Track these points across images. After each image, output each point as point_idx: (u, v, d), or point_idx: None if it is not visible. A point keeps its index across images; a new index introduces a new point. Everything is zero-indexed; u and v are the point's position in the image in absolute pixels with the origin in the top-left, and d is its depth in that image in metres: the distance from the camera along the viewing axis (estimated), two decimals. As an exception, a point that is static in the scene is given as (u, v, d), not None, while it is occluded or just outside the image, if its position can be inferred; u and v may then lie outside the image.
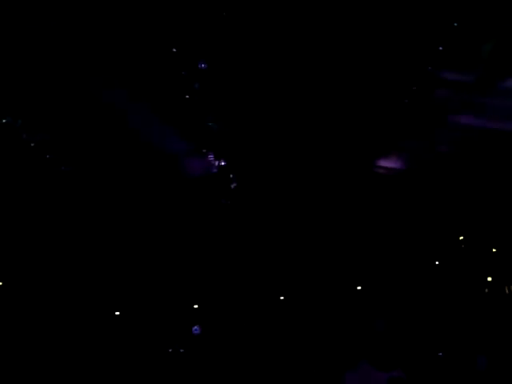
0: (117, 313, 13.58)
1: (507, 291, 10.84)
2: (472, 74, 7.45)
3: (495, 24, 6.69)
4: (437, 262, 12.48)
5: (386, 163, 10.78)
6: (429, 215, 11.78)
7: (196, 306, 14.10)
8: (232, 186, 11.40)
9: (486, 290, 9.62)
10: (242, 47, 7.53)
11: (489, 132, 8.54)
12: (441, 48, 7.27)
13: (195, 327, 4.46)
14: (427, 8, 6.64)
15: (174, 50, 7.41)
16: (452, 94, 8.02)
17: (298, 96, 8.43)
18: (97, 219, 11.07)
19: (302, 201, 11.89)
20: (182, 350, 2.64)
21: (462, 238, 12.80)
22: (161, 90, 8.28)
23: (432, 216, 11.78)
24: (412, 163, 10.32)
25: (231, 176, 11.43)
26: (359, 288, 14.25)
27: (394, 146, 9.97)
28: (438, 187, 10.67)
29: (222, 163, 10.76)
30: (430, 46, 7.30)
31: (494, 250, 12.25)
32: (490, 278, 12.14)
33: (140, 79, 7.76)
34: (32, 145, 9.06)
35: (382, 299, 10.51)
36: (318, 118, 8.99)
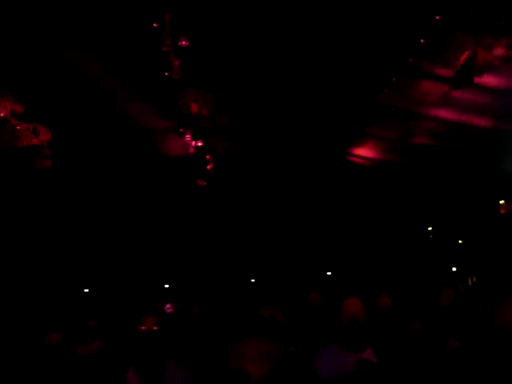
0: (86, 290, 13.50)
1: (470, 282, 11.21)
2: (451, 68, 7.56)
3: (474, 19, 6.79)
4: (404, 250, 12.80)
5: (362, 152, 10.91)
6: (401, 205, 12.03)
7: (167, 286, 14.14)
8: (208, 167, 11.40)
9: (451, 280, 9.94)
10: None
11: (463, 126, 8.72)
12: (422, 40, 7.35)
13: (168, 305, 4.48)
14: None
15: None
16: (431, 87, 8.14)
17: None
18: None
19: (279, 185, 11.97)
20: (155, 328, 2.64)
21: (430, 228, 13.15)
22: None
23: (404, 205, 12.04)
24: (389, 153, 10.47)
25: (208, 157, 11.41)
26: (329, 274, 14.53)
27: (371, 135, 10.08)
28: (412, 177, 10.87)
29: (199, 144, 10.70)
30: (412, 38, 7.34)
31: (460, 242, 12.65)
32: (454, 268, 12.56)
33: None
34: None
35: (354, 281, 10.73)
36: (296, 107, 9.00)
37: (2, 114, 8.23)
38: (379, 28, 7.04)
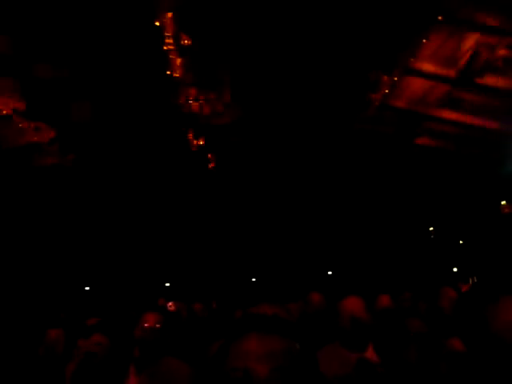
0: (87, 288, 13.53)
1: (471, 282, 11.20)
2: (454, 68, 7.55)
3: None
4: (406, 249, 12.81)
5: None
6: (403, 204, 12.03)
7: (168, 284, 14.16)
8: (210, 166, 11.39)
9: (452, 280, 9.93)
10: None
11: (467, 127, 8.72)
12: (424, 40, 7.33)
13: (170, 303, 4.50)
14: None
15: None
16: (433, 88, 8.12)
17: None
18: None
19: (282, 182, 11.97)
20: (157, 325, 2.66)
21: (431, 228, 13.15)
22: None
23: (406, 205, 12.04)
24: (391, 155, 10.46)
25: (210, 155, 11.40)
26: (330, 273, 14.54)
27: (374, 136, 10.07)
28: (414, 177, 10.87)
29: (201, 142, 10.69)
30: (414, 39, 7.33)
31: (460, 242, 12.64)
32: (455, 269, 12.55)
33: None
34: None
35: (355, 280, 10.74)
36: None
37: (4, 112, 8.25)
38: (381, 26, 7.04)
